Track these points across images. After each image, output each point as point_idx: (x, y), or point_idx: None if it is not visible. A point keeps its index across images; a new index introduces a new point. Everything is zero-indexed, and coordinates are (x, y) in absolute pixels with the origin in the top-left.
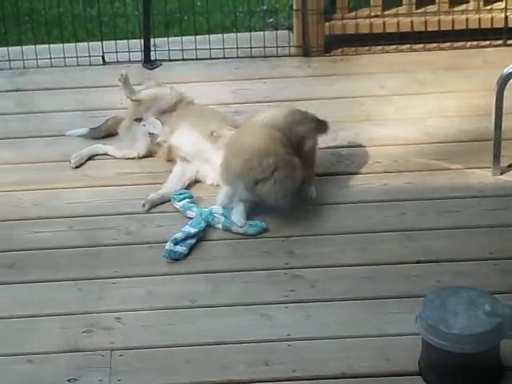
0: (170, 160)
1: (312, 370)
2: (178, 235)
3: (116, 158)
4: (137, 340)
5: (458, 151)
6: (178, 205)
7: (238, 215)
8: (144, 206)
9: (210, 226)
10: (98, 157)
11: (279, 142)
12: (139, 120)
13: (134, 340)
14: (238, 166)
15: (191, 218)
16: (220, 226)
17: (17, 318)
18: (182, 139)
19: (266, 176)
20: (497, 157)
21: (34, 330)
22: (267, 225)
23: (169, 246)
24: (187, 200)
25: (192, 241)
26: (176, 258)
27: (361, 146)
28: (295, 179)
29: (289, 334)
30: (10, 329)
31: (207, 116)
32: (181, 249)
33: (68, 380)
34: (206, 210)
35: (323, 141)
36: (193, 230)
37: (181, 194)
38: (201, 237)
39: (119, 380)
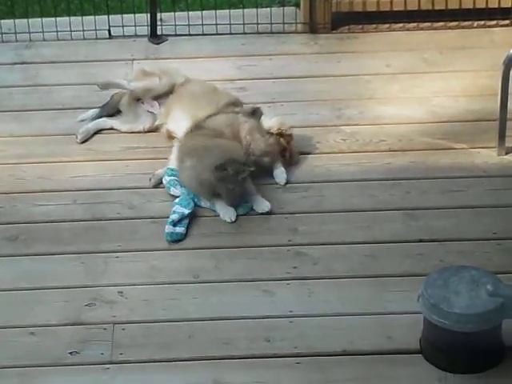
0: (171, 139)
1: (313, 347)
2: (174, 216)
3: (121, 132)
4: (139, 314)
5: (464, 131)
6: (167, 179)
7: (226, 211)
8: (150, 180)
9: (196, 205)
10: (103, 131)
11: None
12: (138, 99)
13: (136, 314)
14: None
15: (173, 196)
16: (204, 204)
17: (20, 290)
18: (176, 124)
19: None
20: (502, 137)
21: (37, 302)
22: (270, 203)
23: (168, 228)
24: (175, 178)
25: (187, 220)
26: (178, 239)
27: (366, 124)
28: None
29: (291, 311)
30: (13, 301)
31: (201, 98)
32: (180, 229)
33: (70, 353)
34: None
35: (328, 119)
36: (186, 212)
37: (172, 170)
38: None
39: (121, 354)
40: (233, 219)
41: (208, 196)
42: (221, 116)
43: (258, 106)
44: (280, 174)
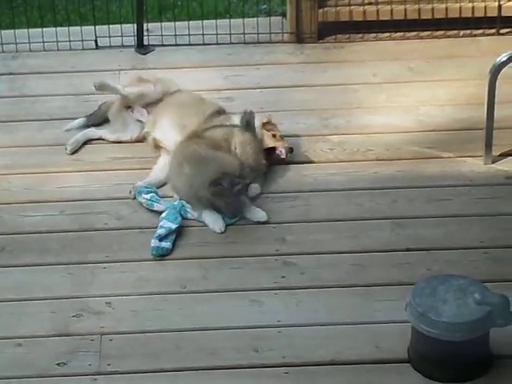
0: (157, 149)
1: (302, 357)
2: (161, 231)
3: (109, 143)
4: (127, 325)
5: (450, 140)
6: (146, 197)
7: (214, 221)
8: (130, 192)
9: (183, 218)
10: (91, 142)
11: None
12: (128, 107)
13: (123, 325)
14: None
15: (157, 211)
16: (190, 216)
17: (7, 301)
18: (162, 133)
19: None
20: (489, 146)
21: (25, 313)
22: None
23: (154, 243)
24: (154, 194)
25: (174, 236)
26: (163, 254)
27: (353, 133)
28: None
29: (279, 321)
30: (0, 313)
31: (188, 107)
32: (166, 244)
33: (58, 364)
34: (177, 203)
35: (316, 128)
36: (173, 226)
37: (147, 187)
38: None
39: (109, 364)
40: (222, 229)
41: (203, 208)
42: (219, 129)
43: (249, 110)
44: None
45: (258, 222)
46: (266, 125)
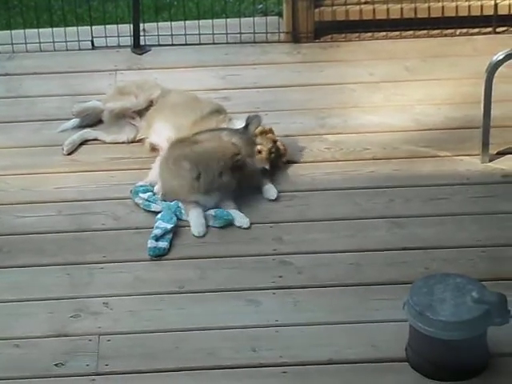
0: (155, 151)
1: (299, 356)
2: (157, 232)
3: (105, 143)
4: (124, 325)
5: (447, 138)
6: (143, 196)
7: (197, 224)
8: (131, 191)
9: (178, 218)
10: (87, 142)
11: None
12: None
13: (121, 325)
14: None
15: (154, 212)
16: (185, 217)
17: (4, 302)
18: (158, 136)
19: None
20: (485, 144)
21: (22, 314)
22: (255, 212)
23: (151, 243)
24: (151, 193)
25: (170, 235)
26: (160, 254)
27: (349, 132)
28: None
29: (276, 320)
30: None
31: (184, 107)
32: (163, 244)
33: (55, 364)
34: (173, 203)
35: (312, 128)
36: (169, 226)
37: (143, 186)
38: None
39: (106, 365)
40: (201, 234)
41: (191, 208)
42: (206, 133)
43: (257, 114)
44: (269, 189)
45: (240, 227)
46: (264, 134)
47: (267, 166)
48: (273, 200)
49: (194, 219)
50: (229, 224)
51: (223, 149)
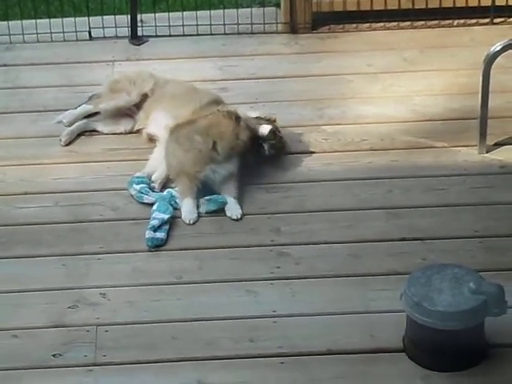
0: (152, 142)
1: (297, 347)
2: (154, 222)
3: (103, 134)
4: (122, 316)
5: (445, 129)
6: (136, 188)
7: (188, 211)
8: (128, 183)
9: (174, 208)
10: (85, 133)
11: None
12: None
13: (119, 316)
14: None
15: (147, 203)
16: (180, 206)
17: (2, 293)
18: (155, 127)
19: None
20: (483, 135)
21: (20, 305)
22: (253, 203)
23: (149, 234)
24: (145, 185)
25: (167, 226)
26: (158, 245)
27: (347, 123)
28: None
29: (274, 311)
30: None
31: (182, 96)
32: (161, 235)
33: (53, 355)
34: (166, 193)
35: (310, 118)
36: (166, 217)
37: (138, 177)
38: None
39: (104, 356)
40: (191, 222)
41: (185, 195)
42: (203, 114)
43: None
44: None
45: (231, 218)
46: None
47: (266, 132)
48: (267, 187)
49: (186, 206)
50: (221, 207)
51: (227, 114)
